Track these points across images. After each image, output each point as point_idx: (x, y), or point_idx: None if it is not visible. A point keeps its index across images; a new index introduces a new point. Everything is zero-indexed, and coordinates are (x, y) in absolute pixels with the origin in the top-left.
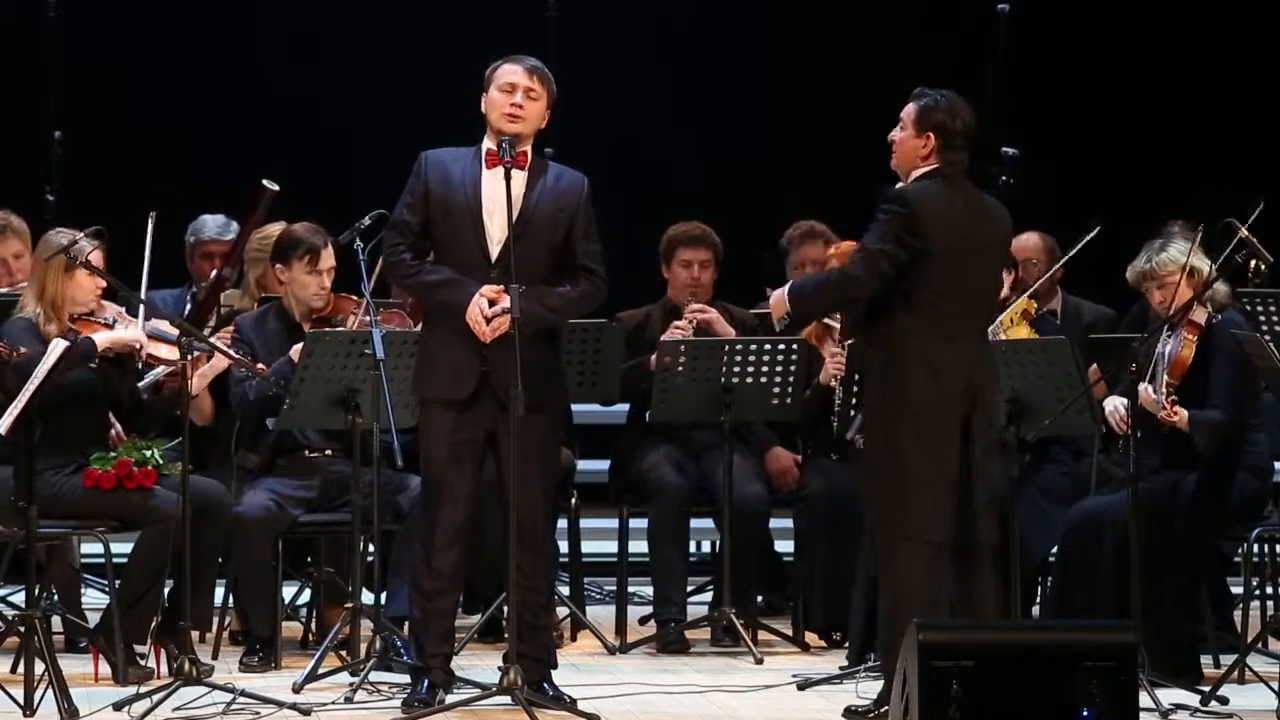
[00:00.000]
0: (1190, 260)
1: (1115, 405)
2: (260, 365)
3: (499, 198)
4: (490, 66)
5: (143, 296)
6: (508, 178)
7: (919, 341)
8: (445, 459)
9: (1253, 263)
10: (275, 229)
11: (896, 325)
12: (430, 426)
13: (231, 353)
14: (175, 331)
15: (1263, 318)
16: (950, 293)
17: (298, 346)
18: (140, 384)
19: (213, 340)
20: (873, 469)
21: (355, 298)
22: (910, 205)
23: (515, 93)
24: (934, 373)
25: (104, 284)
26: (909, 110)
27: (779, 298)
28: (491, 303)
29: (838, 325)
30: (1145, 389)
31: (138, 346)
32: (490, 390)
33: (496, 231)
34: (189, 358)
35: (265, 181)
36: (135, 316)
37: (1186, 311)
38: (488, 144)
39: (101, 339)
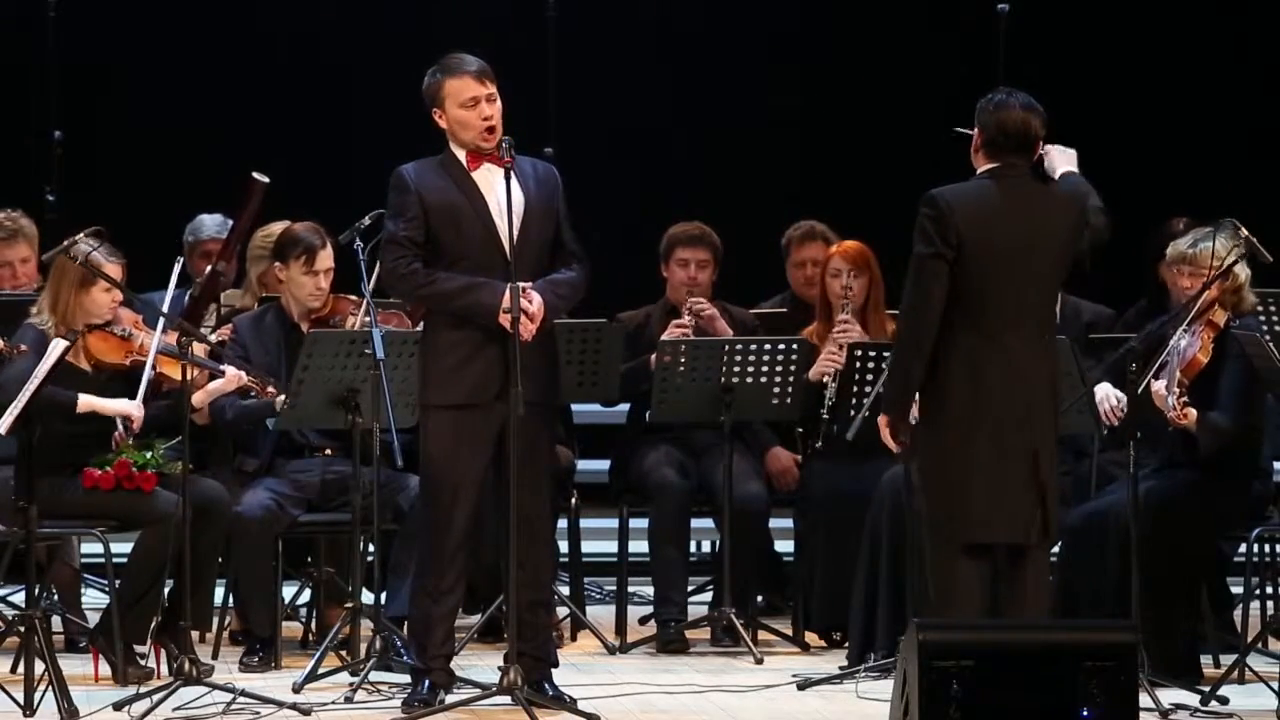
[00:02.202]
0: (1229, 259)
1: (1106, 394)
2: (270, 388)
3: (500, 194)
4: (429, 80)
5: (162, 310)
6: (508, 178)
7: (960, 341)
8: (456, 461)
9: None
10: (279, 227)
11: (940, 326)
12: (440, 429)
13: (244, 375)
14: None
15: (1263, 318)
16: (990, 292)
17: (281, 398)
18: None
19: (226, 362)
20: (921, 470)
21: (354, 298)
22: (935, 205)
23: (480, 104)
24: (975, 372)
25: (120, 298)
26: None
27: (884, 419)
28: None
29: (840, 325)
30: (1158, 387)
31: (130, 420)
32: (507, 390)
33: (507, 228)
34: (189, 358)
35: (255, 174)
36: (150, 326)
37: (1206, 309)
38: (460, 151)
39: (85, 402)
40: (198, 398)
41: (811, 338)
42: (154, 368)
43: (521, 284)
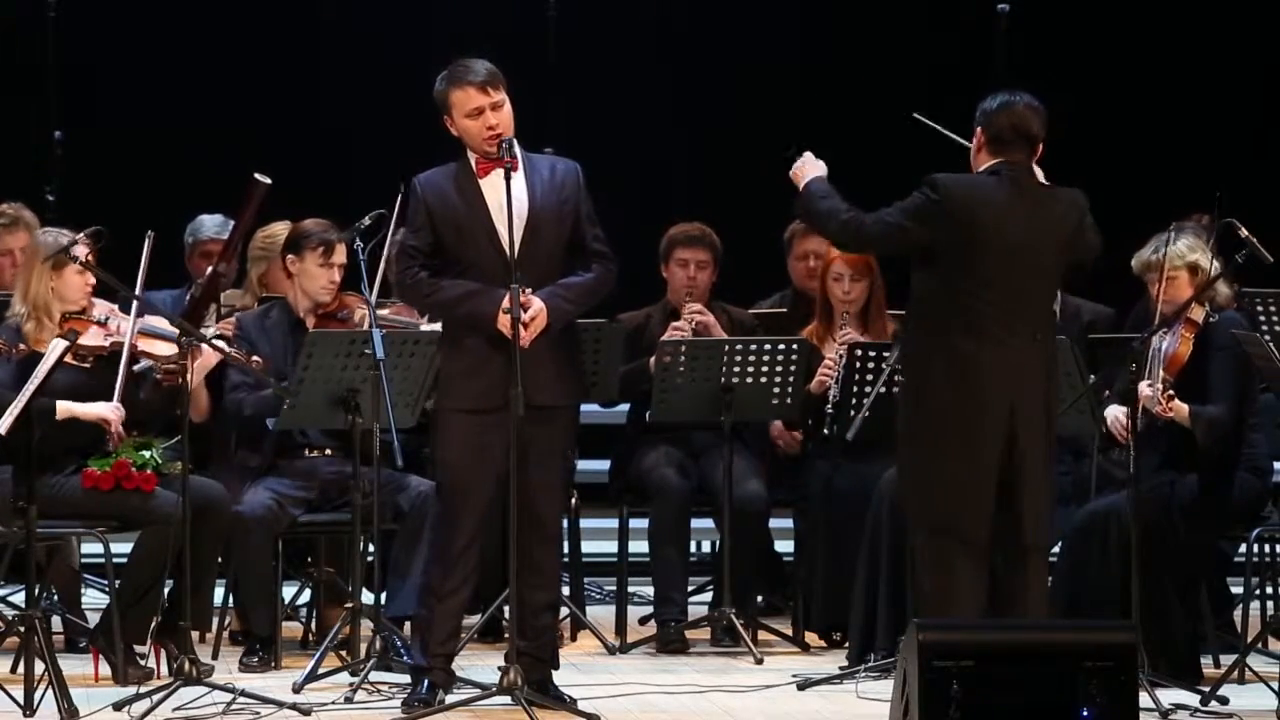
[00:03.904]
0: (1196, 258)
1: (1115, 414)
2: (256, 359)
3: (505, 203)
4: (437, 88)
5: (137, 294)
6: (508, 178)
7: (949, 339)
8: (469, 463)
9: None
10: (279, 227)
11: (929, 322)
12: (453, 433)
13: (224, 346)
14: (171, 329)
15: (1263, 318)
16: (986, 289)
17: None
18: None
19: (210, 338)
20: (903, 467)
21: (362, 295)
22: (938, 192)
23: (485, 114)
24: (964, 370)
25: (94, 282)
26: None
27: (801, 173)
28: (524, 307)
29: (842, 327)
30: (1144, 387)
31: (107, 423)
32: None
33: (509, 233)
34: (187, 356)
35: (257, 175)
36: (128, 314)
37: (1184, 310)
38: (473, 156)
39: (65, 408)
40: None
41: (811, 337)
42: (134, 347)
43: (523, 290)
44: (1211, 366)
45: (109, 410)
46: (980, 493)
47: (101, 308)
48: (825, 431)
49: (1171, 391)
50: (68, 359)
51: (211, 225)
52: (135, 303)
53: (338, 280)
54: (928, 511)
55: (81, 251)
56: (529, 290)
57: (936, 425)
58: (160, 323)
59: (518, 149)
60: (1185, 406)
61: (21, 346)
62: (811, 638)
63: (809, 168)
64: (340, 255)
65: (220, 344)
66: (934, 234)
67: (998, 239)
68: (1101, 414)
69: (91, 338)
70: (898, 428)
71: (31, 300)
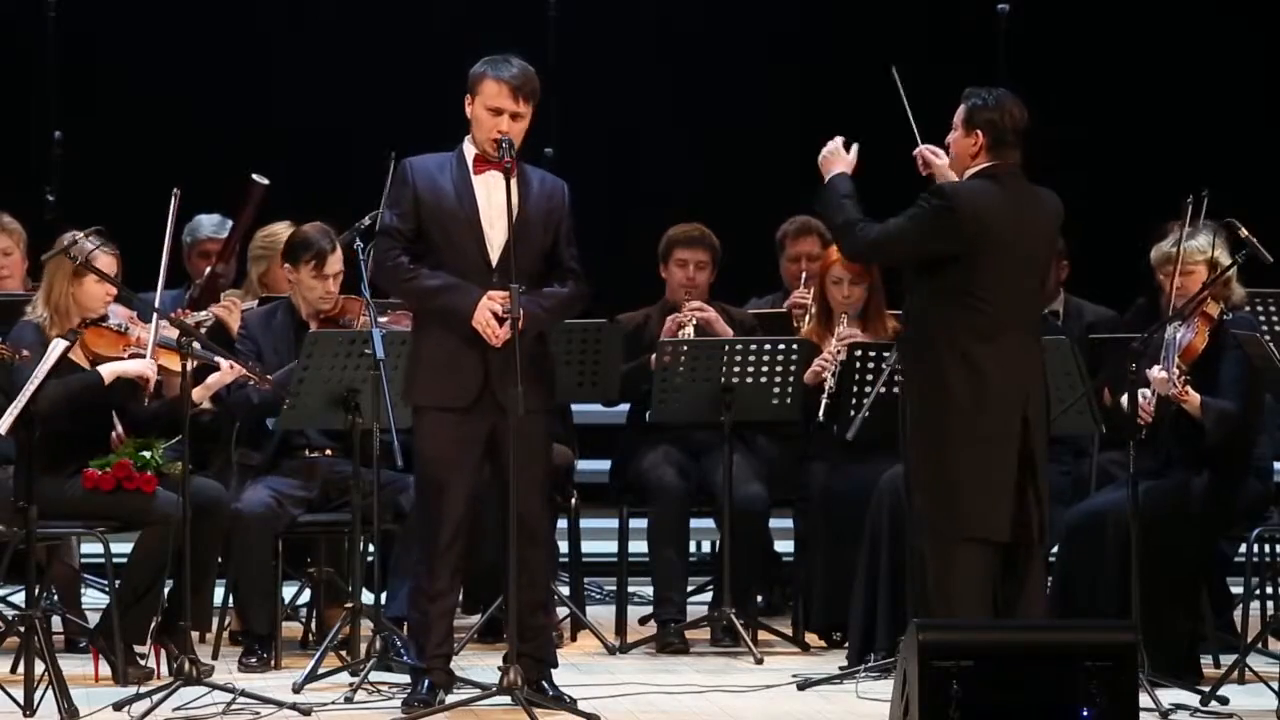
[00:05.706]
0: (1216, 254)
1: (1144, 394)
2: (269, 378)
3: (495, 203)
4: (477, 68)
5: (156, 306)
6: (507, 178)
7: (958, 341)
8: (446, 461)
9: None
10: (279, 228)
11: (936, 326)
12: (428, 430)
13: (239, 363)
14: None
15: (1263, 318)
16: (991, 292)
17: None
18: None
19: (211, 322)
20: (918, 472)
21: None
22: (948, 201)
23: (501, 117)
24: (974, 372)
25: (114, 291)
26: (958, 111)
27: (829, 164)
28: (502, 306)
29: (842, 326)
30: (1158, 371)
31: (145, 380)
32: (490, 393)
33: (497, 236)
34: (190, 360)
35: (255, 176)
36: (145, 320)
37: (1199, 304)
38: (471, 149)
39: (109, 370)
40: (197, 393)
41: (811, 337)
42: (151, 359)
43: (504, 291)
44: (1224, 364)
45: (146, 366)
46: (996, 492)
47: (120, 315)
48: (820, 418)
49: (1188, 377)
50: (84, 365)
51: (209, 225)
52: (155, 316)
53: (334, 290)
54: (960, 517)
55: (87, 251)
56: (503, 293)
57: (961, 431)
58: (174, 334)
59: (515, 158)
60: (1197, 396)
61: (25, 353)
62: (811, 638)
63: (838, 161)
64: (335, 264)
65: (238, 361)
66: (945, 243)
67: (1003, 243)
68: (1100, 415)
69: (109, 347)
70: (912, 438)
71: (53, 305)
